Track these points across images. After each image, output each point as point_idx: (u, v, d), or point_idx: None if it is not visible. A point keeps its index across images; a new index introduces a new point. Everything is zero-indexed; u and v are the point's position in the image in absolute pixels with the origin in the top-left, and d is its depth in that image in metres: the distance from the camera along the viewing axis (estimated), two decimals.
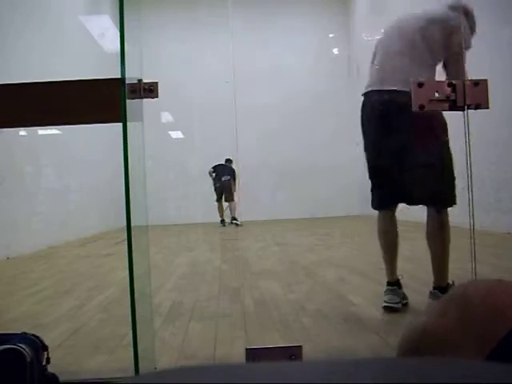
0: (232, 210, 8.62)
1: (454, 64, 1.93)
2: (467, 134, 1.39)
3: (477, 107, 1.37)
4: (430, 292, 2.07)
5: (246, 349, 1.31)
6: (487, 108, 1.38)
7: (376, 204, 2.24)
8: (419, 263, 3.64)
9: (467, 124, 1.38)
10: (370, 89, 2.13)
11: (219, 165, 8.90)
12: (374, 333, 1.85)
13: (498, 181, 5.04)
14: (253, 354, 1.29)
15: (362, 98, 2.19)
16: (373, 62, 2.17)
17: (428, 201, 2.07)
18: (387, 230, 2.22)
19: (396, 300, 2.12)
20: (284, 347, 1.33)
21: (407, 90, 1.43)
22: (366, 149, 2.23)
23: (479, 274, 1.42)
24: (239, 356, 1.46)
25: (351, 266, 3.45)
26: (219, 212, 8.74)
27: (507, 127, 4.82)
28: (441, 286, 2.04)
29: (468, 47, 1.95)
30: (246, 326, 2.02)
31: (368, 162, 2.23)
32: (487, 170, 4.82)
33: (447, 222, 2.06)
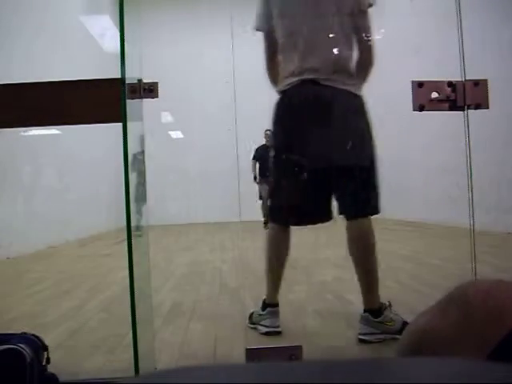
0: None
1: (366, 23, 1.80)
2: (467, 134, 1.39)
3: (477, 107, 1.37)
4: (361, 315, 1.81)
5: (246, 349, 1.31)
6: (487, 108, 1.38)
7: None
8: (419, 263, 3.64)
9: (467, 124, 1.38)
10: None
11: (262, 148, 6.65)
12: None
13: (498, 181, 5.04)
14: (253, 354, 1.29)
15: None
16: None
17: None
18: (280, 243, 1.91)
19: (277, 323, 1.87)
20: (284, 347, 1.33)
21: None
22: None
23: (479, 273, 1.42)
24: (239, 356, 1.46)
25: (350, 266, 3.44)
26: (264, 211, 6.75)
27: (507, 127, 4.82)
28: (372, 309, 1.78)
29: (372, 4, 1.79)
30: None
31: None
32: (487, 170, 4.81)
33: (371, 232, 1.84)
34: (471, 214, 1.45)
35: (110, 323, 2.16)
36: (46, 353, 1.26)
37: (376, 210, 1.90)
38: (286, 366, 0.31)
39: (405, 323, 1.74)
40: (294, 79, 1.77)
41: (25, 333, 1.26)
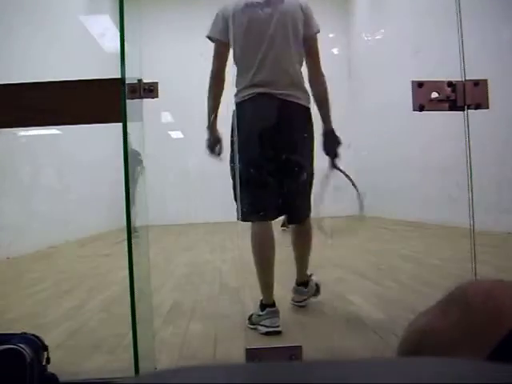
0: None
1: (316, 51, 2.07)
2: (467, 134, 1.39)
3: (477, 107, 1.37)
4: (295, 288, 2.29)
5: (246, 349, 1.31)
6: (487, 108, 1.38)
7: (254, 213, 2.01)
8: (419, 263, 3.64)
9: (467, 124, 1.38)
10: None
11: None
12: (374, 333, 1.85)
13: (498, 181, 5.04)
14: (253, 354, 1.29)
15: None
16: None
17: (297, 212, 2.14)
18: (264, 243, 2.00)
19: (277, 323, 1.90)
20: (284, 347, 1.33)
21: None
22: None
23: (479, 273, 1.42)
24: (239, 356, 1.46)
25: (350, 266, 3.45)
26: None
27: (507, 127, 4.82)
28: (304, 281, 2.29)
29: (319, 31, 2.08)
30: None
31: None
32: (487, 170, 4.81)
33: (311, 228, 2.22)
34: (471, 214, 1.45)
35: (110, 323, 2.16)
36: (45, 353, 1.26)
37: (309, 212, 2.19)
38: (286, 365, 0.31)
39: (317, 285, 2.36)
40: (250, 91, 1.96)
41: (25, 333, 1.26)
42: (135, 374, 1.29)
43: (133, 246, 1.32)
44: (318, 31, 2.07)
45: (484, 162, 4.79)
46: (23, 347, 1.16)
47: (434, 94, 1.38)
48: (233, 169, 2.03)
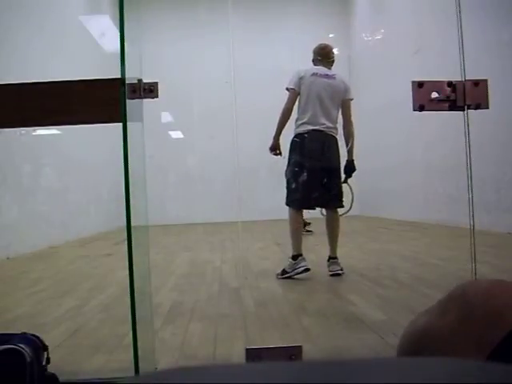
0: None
1: (349, 109, 3.28)
2: (467, 133, 1.38)
3: (477, 107, 1.37)
4: (329, 262, 3.09)
5: (246, 349, 1.31)
6: (487, 108, 1.38)
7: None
8: (419, 263, 3.64)
9: (467, 124, 1.38)
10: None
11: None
12: (373, 332, 1.85)
13: (498, 181, 5.04)
14: (253, 354, 1.29)
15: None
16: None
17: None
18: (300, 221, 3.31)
19: (307, 264, 3.06)
20: (284, 347, 1.33)
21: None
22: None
23: (479, 274, 1.42)
24: (239, 356, 1.46)
25: (350, 266, 3.45)
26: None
27: (507, 127, 4.82)
28: (335, 256, 3.11)
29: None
30: (247, 326, 2.02)
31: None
32: (487, 170, 4.82)
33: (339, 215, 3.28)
34: (471, 214, 1.45)
35: (110, 323, 2.16)
36: (45, 353, 1.26)
37: (341, 204, 3.30)
38: (286, 365, 0.31)
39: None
40: (309, 127, 3.14)
41: (25, 333, 1.26)
42: (135, 374, 1.29)
43: (133, 246, 1.32)
44: (352, 99, 3.32)
45: (484, 162, 4.81)
46: (23, 347, 1.16)
47: (434, 94, 1.38)
48: (293, 175, 3.17)
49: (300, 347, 1.30)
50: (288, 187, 3.20)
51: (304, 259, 3.07)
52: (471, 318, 0.46)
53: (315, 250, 5.04)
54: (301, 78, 3.15)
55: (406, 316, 1.81)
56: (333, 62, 3.35)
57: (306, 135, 3.14)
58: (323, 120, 3.13)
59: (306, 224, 5.95)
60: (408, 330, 0.56)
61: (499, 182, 5.03)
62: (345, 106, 3.26)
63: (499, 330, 0.44)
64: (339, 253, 3.18)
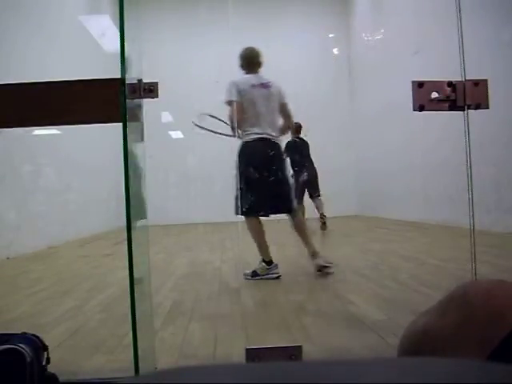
0: (320, 207, 6.46)
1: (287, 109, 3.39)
2: (467, 133, 1.38)
3: (477, 107, 1.37)
4: (312, 258, 3.13)
5: (246, 349, 1.31)
6: (487, 108, 1.38)
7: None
8: (419, 263, 3.64)
9: (467, 124, 1.38)
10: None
11: (292, 142, 6.24)
12: (374, 333, 1.85)
13: (498, 181, 5.03)
14: (253, 354, 1.29)
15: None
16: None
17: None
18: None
19: (280, 272, 3.14)
20: (284, 347, 1.33)
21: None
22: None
23: (479, 274, 1.42)
24: (239, 356, 1.46)
25: (350, 266, 3.45)
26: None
27: (507, 127, 4.82)
28: (314, 251, 3.15)
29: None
30: (247, 326, 2.02)
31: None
32: (487, 170, 4.81)
33: (299, 215, 3.45)
34: (471, 214, 1.45)
35: (110, 323, 2.16)
36: (45, 353, 1.26)
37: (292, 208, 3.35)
38: (286, 365, 0.31)
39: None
40: (256, 136, 3.21)
41: (25, 333, 1.26)
42: (135, 374, 1.29)
43: (133, 246, 1.32)
44: (287, 103, 3.42)
45: (484, 162, 4.81)
46: (23, 347, 1.16)
47: (434, 94, 1.38)
48: (245, 184, 3.15)
49: (300, 347, 1.30)
50: (241, 196, 3.18)
51: (277, 266, 3.15)
52: (472, 319, 0.46)
53: None
54: (240, 90, 3.20)
55: (406, 316, 1.81)
56: (260, 64, 3.38)
57: (253, 144, 3.22)
58: (268, 129, 3.23)
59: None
60: (408, 330, 0.56)
61: (499, 182, 5.03)
62: (283, 108, 3.38)
63: (500, 330, 0.44)
64: (340, 252, 3.19)
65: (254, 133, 3.22)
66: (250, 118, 3.22)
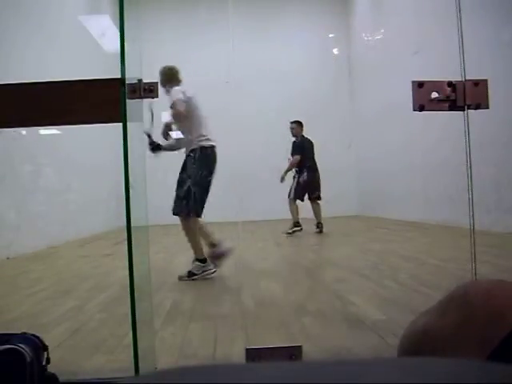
0: (318, 214, 6.31)
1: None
2: (467, 133, 1.38)
3: (477, 107, 1.37)
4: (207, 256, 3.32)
5: (246, 349, 1.31)
6: (487, 108, 1.38)
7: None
8: (419, 263, 3.64)
9: (467, 124, 1.38)
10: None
11: (300, 143, 6.28)
12: (374, 333, 1.85)
13: (498, 181, 5.03)
14: (253, 354, 1.29)
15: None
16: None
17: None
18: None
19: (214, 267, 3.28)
20: (284, 347, 1.33)
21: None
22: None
23: (479, 274, 1.42)
24: (239, 356, 1.46)
25: (350, 266, 3.45)
26: (294, 213, 6.23)
27: (507, 127, 4.82)
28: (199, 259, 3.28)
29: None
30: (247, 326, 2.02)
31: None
32: (487, 170, 4.81)
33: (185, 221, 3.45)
34: (471, 214, 1.45)
35: (110, 323, 2.16)
36: (45, 353, 1.26)
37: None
38: (286, 365, 0.31)
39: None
40: (210, 143, 3.48)
41: (25, 333, 1.26)
42: (135, 374, 1.29)
43: (133, 246, 1.32)
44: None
45: (484, 162, 4.81)
46: (23, 347, 1.16)
47: (434, 94, 1.38)
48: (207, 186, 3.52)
49: (300, 347, 1.30)
50: (200, 197, 3.45)
51: (210, 263, 3.27)
52: (472, 319, 0.46)
53: (314, 250, 5.05)
54: (187, 99, 3.36)
55: (406, 316, 1.81)
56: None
57: (211, 149, 3.47)
58: (211, 137, 3.51)
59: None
60: (408, 330, 0.56)
61: (499, 182, 5.03)
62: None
63: (500, 330, 0.44)
64: (340, 252, 3.18)
65: (208, 139, 3.53)
66: (199, 125, 3.49)
